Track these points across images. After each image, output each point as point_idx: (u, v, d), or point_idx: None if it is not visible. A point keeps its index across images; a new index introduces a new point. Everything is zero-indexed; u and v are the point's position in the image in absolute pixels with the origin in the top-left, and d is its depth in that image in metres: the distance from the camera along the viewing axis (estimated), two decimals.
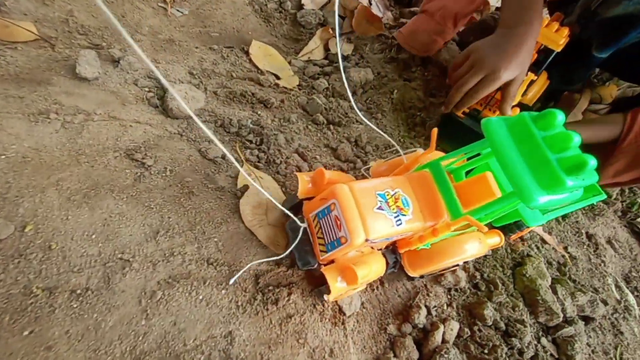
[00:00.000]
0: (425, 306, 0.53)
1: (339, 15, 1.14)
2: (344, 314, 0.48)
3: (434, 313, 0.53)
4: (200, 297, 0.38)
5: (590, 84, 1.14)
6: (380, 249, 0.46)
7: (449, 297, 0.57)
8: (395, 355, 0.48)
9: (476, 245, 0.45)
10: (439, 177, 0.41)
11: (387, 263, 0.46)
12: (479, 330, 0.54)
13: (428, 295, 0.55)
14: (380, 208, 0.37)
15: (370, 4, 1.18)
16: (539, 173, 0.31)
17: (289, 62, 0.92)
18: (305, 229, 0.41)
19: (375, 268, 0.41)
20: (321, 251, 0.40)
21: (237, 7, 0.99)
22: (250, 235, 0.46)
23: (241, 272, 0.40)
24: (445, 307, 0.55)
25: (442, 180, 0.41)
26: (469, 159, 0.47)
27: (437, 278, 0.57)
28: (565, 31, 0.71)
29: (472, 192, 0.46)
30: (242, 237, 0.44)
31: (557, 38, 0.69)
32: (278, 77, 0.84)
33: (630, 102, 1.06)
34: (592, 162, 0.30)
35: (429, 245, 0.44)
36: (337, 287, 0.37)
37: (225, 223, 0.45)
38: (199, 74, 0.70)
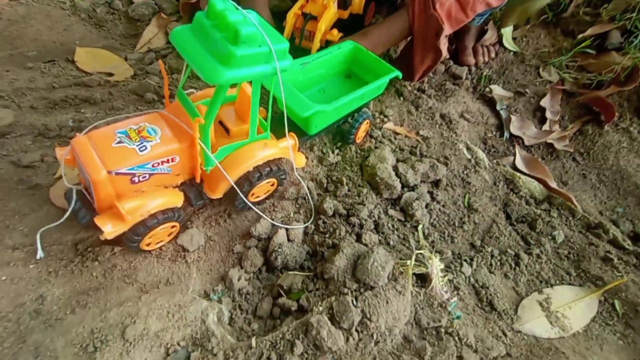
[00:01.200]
0: (271, 219, 0.59)
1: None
2: (187, 250, 0.53)
3: (278, 223, 0.59)
4: (3, 278, 0.41)
5: None
6: (177, 186, 0.49)
7: (296, 206, 0.63)
8: (241, 267, 0.53)
9: (261, 150, 0.50)
10: (183, 100, 0.46)
11: (189, 197, 0.50)
12: (323, 222, 0.60)
13: (274, 210, 0.61)
14: (119, 142, 0.41)
15: None
16: (214, 53, 0.36)
17: (125, 58, 0.92)
18: (79, 191, 0.44)
19: (158, 201, 0.44)
20: (94, 202, 0.43)
21: (55, 19, 0.96)
22: (64, 213, 0.48)
23: (38, 242, 0.43)
24: (292, 215, 0.61)
25: (185, 101, 0.45)
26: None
27: (282, 194, 0.63)
28: None
29: (244, 108, 0.51)
30: (53, 218, 0.47)
31: None
32: (111, 75, 0.85)
33: None
34: (246, 29, 0.35)
35: (214, 164, 0.48)
36: (110, 229, 0.40)
37: (34, 212, 0.48)
38: (9, 95, 0.69)
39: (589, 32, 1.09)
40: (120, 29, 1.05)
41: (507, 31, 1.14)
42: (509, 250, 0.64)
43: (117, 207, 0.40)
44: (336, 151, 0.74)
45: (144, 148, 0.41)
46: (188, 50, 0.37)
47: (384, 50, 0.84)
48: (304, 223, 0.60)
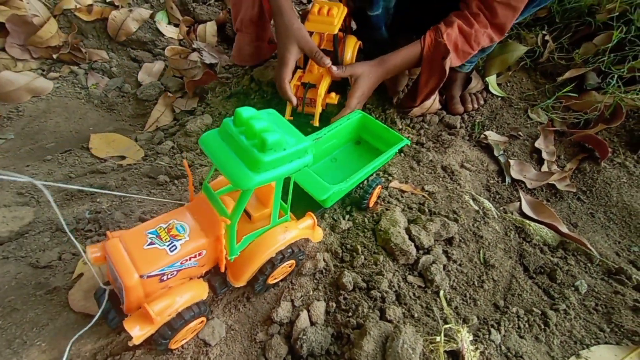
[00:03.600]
0: (291, 300, 0.58)
1: (175, 77, 1.22)
2: (209, 345, 0.51)
3: (298, 303, 0.58)
4: None
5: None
6: (202, 276, 0.50)
7: (315, 281, 0.62)
8: (265, 359, 0.51)
9: (282, 234, 0.51)
10: (209, 194, 0.48)
11: (214, 286, 0.50)
12: (344, 298, 0.59)
13: (293, 289, 0.60)
14: (151, 244, 0.42)
15: (202, 55, 1.28)
16: (244, 160, 0.39)
17: (135, 139, 0.97)
18: (111, 291, 0.44)
19: (185, 297, 0.44)
20: (123, 304, 0.43)
21: (72, 110, 1.03)
22: (84, 319, 0.48)
23: (65, 356, 0.42)
24: (311, 293, 0.60)
25: (211, 196, 0.47)
26: None
27: (299, 270, 0.63)
28: (335, 10, 0.81)
29: (264, 193, 0.53)
30: (73, 326, 0.46)
31: (331, 20, 0.80)
32: (124, 158, 0.88)
33: None
34: (271, 137, 0.38)
35: (238, 253, 0.49)
36: (138, 332, 0.40)
37: (52, 321, 0.47)
38: (29, 192, 0.72)
39: (567, 75, 1.17)
40: (129, 110, 1.12)
41: (492, 79, 1.22)
42: (534, 308, 0.63)
43: (145, 309, 0.40)
44: (347, 216, 0.75)
45: (174, 248, 0.42)
46: (217, 156, 0.40)
47: (395, 74, 0.95)
48: (324, 301, 0.59)
